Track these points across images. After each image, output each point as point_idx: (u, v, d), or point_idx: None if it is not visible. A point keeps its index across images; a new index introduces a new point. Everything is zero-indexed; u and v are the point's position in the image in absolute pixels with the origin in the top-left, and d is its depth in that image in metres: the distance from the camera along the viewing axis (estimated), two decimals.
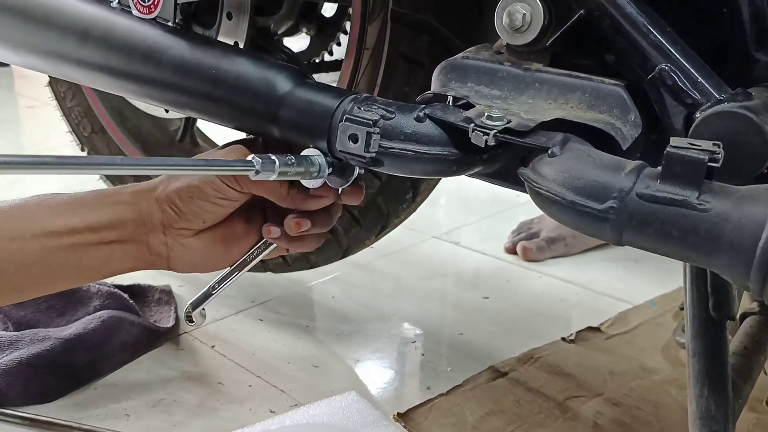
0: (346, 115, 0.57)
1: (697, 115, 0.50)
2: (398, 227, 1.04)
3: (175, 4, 0.69)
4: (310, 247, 0.66)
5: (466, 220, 1.58)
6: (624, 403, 0.89)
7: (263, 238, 0.67)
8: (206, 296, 0.68)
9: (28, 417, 0.84)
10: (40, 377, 0.88)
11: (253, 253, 0.67)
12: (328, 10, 1.24)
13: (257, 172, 0.54)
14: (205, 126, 1.24)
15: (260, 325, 1.09)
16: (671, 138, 0.45)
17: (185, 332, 1.05)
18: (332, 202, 0.64)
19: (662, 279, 1.23)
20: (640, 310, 1.12)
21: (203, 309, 0.68)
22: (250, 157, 0.55)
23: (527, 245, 1.34)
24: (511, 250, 1.37)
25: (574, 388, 0.91)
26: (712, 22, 0.58)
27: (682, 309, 1.10)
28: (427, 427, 0.83)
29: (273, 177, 0.56)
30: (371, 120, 0.56)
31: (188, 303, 0.68)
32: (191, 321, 0.68)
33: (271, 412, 0.88)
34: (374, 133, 0.55)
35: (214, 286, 0.68)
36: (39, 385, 0.87)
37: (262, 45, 1.02)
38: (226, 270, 0.68)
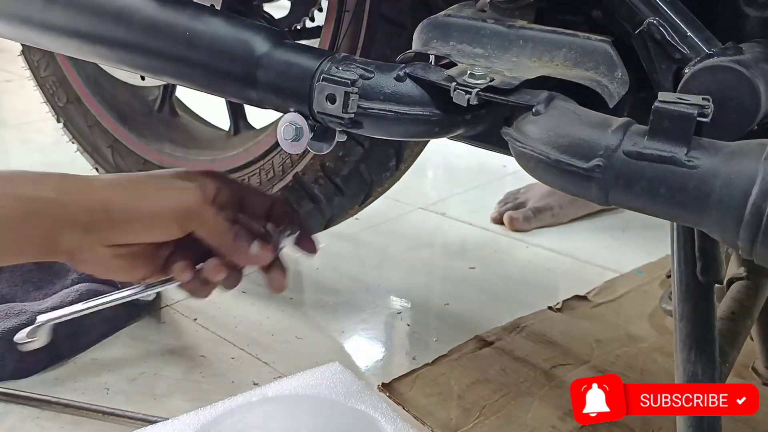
0: (324, 75, 0.55)
1: (686, 70, 0.48)
2: (383, 198, 1.03)
3: None
4: (199, 295, 0.63)
5: (452, 191, 1.56)
6: (610, 370, 0.88)
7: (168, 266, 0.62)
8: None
9: (4, 392, 0.82)
10: (17, 352, 0.86)
11: (155, 285, 0.64)
12: None
13: None
14: (185, 96, 1.22)
15: (243, 297, 1.07)
16: (659, 93, 0.44)
17: (166, 305, 1.03)
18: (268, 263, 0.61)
19: (649, 248, 1.22)
20: (626, 279, 1.12)
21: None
22: None
23: (514, 215, 1.33)
24: (498, 221, 1.36)
25: (560, 356, 0.90)
26: None
27: (668, 277, 1.09)
28: (412, 397, 0.82)
29: None
30: (349, 79, 0.54)
31: None
32: None
33: (254, 384, 0.86)
34: (352, 93, 0.54)
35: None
36: (15, 360, 0.85)
37: (241, 10, 0.99)
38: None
